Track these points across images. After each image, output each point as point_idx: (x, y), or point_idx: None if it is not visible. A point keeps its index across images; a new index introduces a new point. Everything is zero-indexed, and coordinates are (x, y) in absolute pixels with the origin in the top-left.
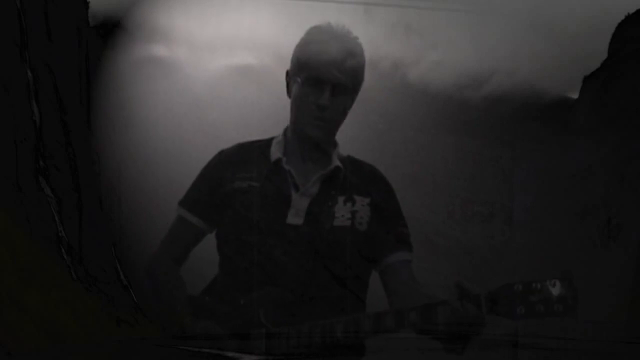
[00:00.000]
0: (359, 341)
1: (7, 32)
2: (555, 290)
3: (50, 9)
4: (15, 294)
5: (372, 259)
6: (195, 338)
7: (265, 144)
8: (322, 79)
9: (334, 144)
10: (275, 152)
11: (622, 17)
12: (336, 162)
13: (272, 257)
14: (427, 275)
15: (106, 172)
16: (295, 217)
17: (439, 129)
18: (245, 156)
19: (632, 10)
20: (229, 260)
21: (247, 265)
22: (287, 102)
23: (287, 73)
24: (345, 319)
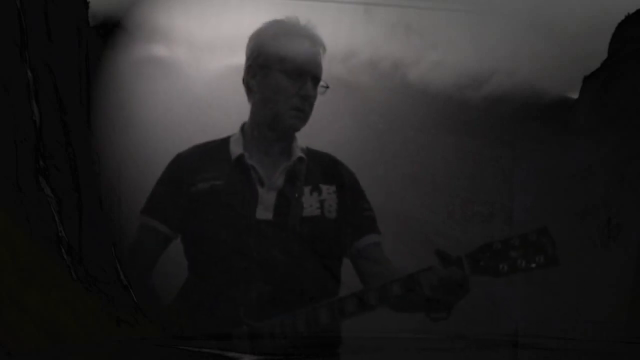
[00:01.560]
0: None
1: (7, 32)
2: (533, 242)
3: (50, 9)
4: (15, 294)
5: (343, 245)
6: (195, 338)
7: (222, 143)
8: (304, 71)
9: (294, 137)
10: (236, 149)
11: (622, 17)
12: (298, 154)
13: (246, 255)
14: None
15: (106, 172)
16: (264, 212)
17: (439, 129)
18: (203, 157)
19: (632, 10)
20: (199, 263)
21: (221, 265)
22: None
23: (250, 67)
24: (327, 303)
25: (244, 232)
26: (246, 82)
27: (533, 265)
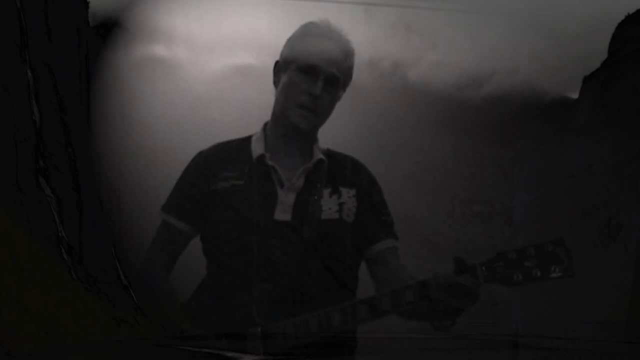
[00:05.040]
0: (354, 336)
1: (7, 32)
2: (549, 252)
3: (50, 9)
4: (15, 294)
5: (359, 249)
6: (195, 338)
7: (244, 141)
8: (317, 69)
9: (315, 139)
10: (257, 149)
11: (622, 17)
12: (319, 155)
13: (263, 255)
14: (427, 275)
15: (106, 172)
16: (282, 213)
17: (439, 129)
18: (224, 155)
19: (632, 10)
20: (217, 262)
21: (237, 265)
22: None
23: (277, 63)
24: (341, 307)
25: (262, 233)
26: (274, 82)
27: (548, 276)
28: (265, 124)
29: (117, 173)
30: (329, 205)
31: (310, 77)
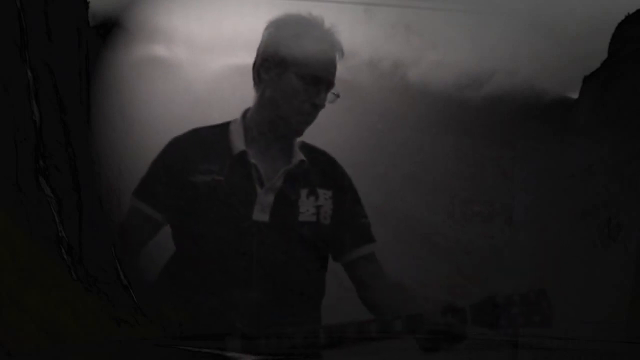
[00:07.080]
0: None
1: (7, 32)
2: (532, 302)
3: (50, 9)
4: (15, 294)
5: (334, 253)
6: (195, 338)
7: (223, 129)
8: (321, 78)
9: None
10: (237, 142)
11: (622, 17)
12: (300, 156)
13: (243, 254)
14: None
15: (106, 172)
16: (261, 214)
17: (439, 129)
18: (202, 144)
19: (632, 10)
20: (186, 253)
21: (213, 263)
22: None
23: (266, 60)
24: (328, 327)
25: (241, 232)
26: (257, 72)
27: (529, 323)
28: (245, 112)
29: (117, 173)
30: (306, 207)
31: (313, 87)
